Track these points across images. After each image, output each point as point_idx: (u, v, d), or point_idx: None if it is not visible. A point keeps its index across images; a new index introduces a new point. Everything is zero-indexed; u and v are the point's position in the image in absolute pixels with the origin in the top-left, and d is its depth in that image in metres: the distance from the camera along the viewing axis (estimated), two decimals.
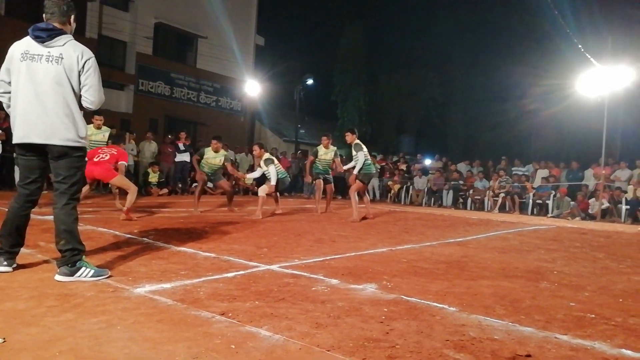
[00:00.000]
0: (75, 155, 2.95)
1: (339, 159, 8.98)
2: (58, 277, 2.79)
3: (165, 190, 12.32)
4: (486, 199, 13.94)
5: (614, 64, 11.51)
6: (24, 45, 2.90)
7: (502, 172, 14.23)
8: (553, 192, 12.84)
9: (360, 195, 8.16)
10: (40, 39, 2.87)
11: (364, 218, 7.98)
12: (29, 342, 1.82)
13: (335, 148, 8.99)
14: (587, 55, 11.64)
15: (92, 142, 7.15)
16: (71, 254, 2.81)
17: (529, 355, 1.96)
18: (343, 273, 3.43)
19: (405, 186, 15.83)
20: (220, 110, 20.37)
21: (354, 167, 7.94)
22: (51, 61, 2.84)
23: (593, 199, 12.12)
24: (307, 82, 20.86)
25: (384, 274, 3.47)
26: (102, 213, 6.87)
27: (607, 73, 11.50)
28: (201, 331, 2.05)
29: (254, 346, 1.91)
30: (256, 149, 8.33)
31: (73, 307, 2.28)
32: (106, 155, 6.76)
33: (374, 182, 15.40)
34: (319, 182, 8.97)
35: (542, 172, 13.69)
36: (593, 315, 2.65)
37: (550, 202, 12.70)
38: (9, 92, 2.94)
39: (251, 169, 14.55)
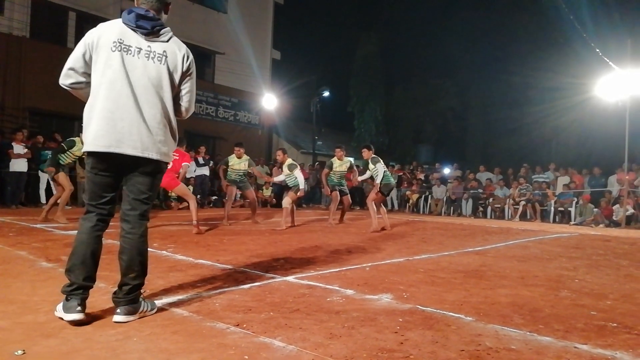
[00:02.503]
0: (163, 171, 2.56)
1: (355, 170, 8.98)
2: (121, 318, 2.29)
3: (185, 204, 12.46)
4: (506, 207, 13.73)
5: (634, 67, 11.30)
6: (116, 31, 2.35)
7: (523, 180, 14.00)
8: (575, 199, 12.58)
9: (377, 206, 8.15)
10: (143, 30, 2.37)
11: (382, 229, 7.95)
12: (47, 353, 1.86)
13: (350, 159, 9.07)
14: (605, 59, 11.45)
15: None
16: (137, 290, 2.39)
17: None
18: (359, 283, 3.42)
19: (423, 196, 15.71)
20: (238, 125, 20.58)
21: (371, 178, 7.97)
22: (152, 58, 2.38)
23: (617, 206, 11.84)
24: (324, 94, 20.97)
25: (400, 284, 3.44)
26: None
27: (627, 76, 11.29)
28: (215, 342, 2.07)
29: (268, 357, 1.91)
30: (280, 154, 8.46)
31: (91, 320, 2.32)
32: (169, 164, 6.85)
33: (392, 192, 15.33)
34: (335, 194, 9.00)
35: (564, 179, 13.43)
36: (615, 324, 2.59)
37: (572, 210, 12.45)
38: (82, 83, 2.38)
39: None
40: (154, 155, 2.38)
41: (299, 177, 7.87)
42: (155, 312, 2.46)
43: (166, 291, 2.96)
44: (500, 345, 2.17)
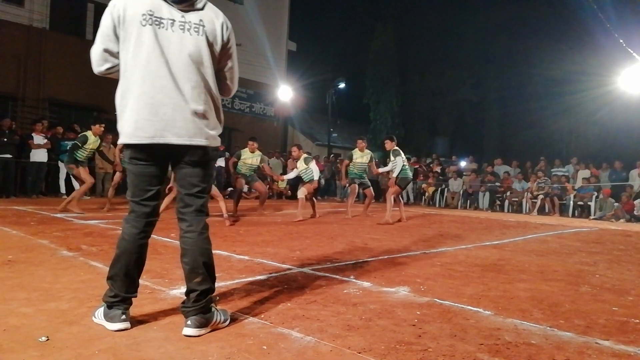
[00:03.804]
0: (214, 158, 2.32)
1: (373, 162, 8.94)
2: (191, 332, 2.01)
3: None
4: (524, 200, 13.55)
5: None
6: (145, 2, 2.04)
7: (541, 173, 13.79)
8: (595, 193, 12.36)
9: (395, 199, 8.16)
10: None
11: (399, 221, 7.98)
12: (70, 340, 1.90)
13: (370, 152, 8.94)
14: (629, 49, 11.18)
15: None
16: (206, 296, 2.10)
17: None
18: (375, 276, 3.42)
19: (440, 189, 15.59)
20: (254, 116, 20.64)
21: (390, 171, 7.96)
22: (188, 30, 2.07)
23: (638, 200, 11.59)
24: (339, 86, 20.91)
25: (417, 277, 3.43)
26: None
27: None
28: (234, 332, 2.09)
29: (285, 347, 1.92)
30: (295, 150, 8.48)
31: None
32: None
33: (408, 185, 15.26)
34: (353, 187, 8.96)
35: (583, 173, 13.19)
36: (637, 321, 2.54)
37: (592, 204, 12.24)
38: (118, 66, 2.10)
39: (284, 172, 14.67)
40: (202, 142, 2.12)
41: (314, 169, 7.92)
42: (229, 324, 2.18)
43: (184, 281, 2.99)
44: (519, 339, 2.14)
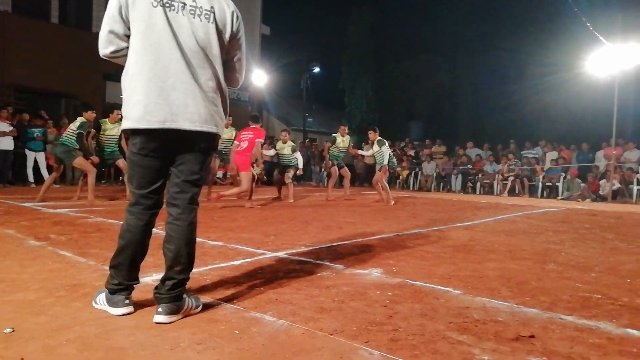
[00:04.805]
0: (216, 146, 2.25)
1: (351, 146, 9.77)
2: (163, 319, 1.99)
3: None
4: (495, 182, 13.84)
5: (624, 42, 11.29)
6: None
7: (511, 156, 14.10)
8: (563, 174, 12.71)
9: (380, 183, 8.74)
10: None
11: (377, 201, 8.78)
12: (37, 330, 1.86)
13: (349, 137, 9.62)
14: (596, 33, 11.42)
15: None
16: (182, 285, 2.10)
17: (532, 336, 1.96)
18: (349, 259, 3.45)
19: (413, 172, 15.77)
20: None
21: (372, 156, 9.07)
22: (199, 15, 2.03)
23: (604, 180, 11.99)
24: (314, 71, 20.82)
25: (389, 259, 3.48)
26: (113, 205, 6.94)
27: (618, 51, 11.29)
28: (206, 318, 2.08)
29: (258, 331, 1.93)
30: (285, 135, 8.99)
31: (81, 297, 2.32)
32: (245, 144, 6.70)
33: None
34: (334, 170, 9.38)
35: (551, 155, 13.54)
36: (599, 296, 2.64)
37: (560, 185, 12.59)
38: (124, 49, 2.03)
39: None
40: (212, 128, 2.08)
41: (299, 158, 8.81)
42: (201, 310, 2.17)
43: (157, 267, 2.95)
44: (487, 317, 2.21)
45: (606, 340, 1.95)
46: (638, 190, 11.50)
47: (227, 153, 8.34)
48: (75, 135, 6.83)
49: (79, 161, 6.99)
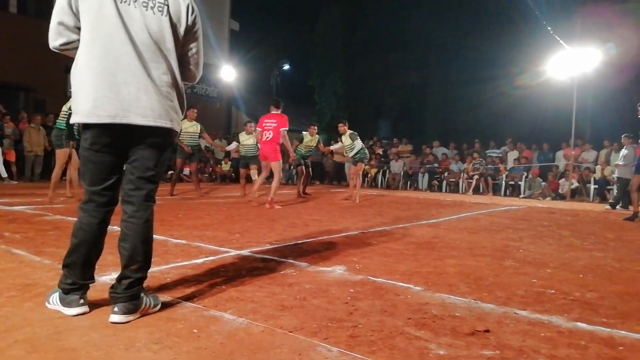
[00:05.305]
0: (172, 142, 2.20)
1: (321, 144, 9.97)
2: (119, 318, 1.95)
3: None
4: (461, 181, 14.14)
5: (582, 45, 11.71)
6: None
7: (476, 155, 14.44)
8: (525, 174, 13.11)
9: (356, 178, 8.92)
10: None
11: (346, 199, 8.85)
12: None
13: (318, 136, 9.81)
14: (556, 37, 11.80)
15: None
16: (139, 284, 2.05)
17: (487, 331, 2.01)
18: (313, 256, 3.46)
19: (381, 170, 15.94)
20: (197, 97, 20.04)
21: (342, 149, 9.21)
22: (152, 8, 1.98)
23: (563, 179, 12.43)
24: (284, 67, 20.72)
25: (353, 256, 3.50)
26: (73, 202, 6.73)
27: (576, 55, 11.70)
28: (164, 316, 2.05)
29: (217, 330, 1.91)
30: (251, 126, 8.98)
31: (34, 297, 2.24)
32: (270, 133, 6.47)
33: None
34: (300, 169, 9.53)
35: (513, 154, 13.95)
36: (553, 291, 2.74)
37: (522, 183, 12.97)
38: (75, 42, 1.97)
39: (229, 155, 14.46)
40: (166, 124, 2.03)
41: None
42: (160, 309, 2.12)
43: (115, 266, 2.88)
44: (445, 312, 2.25)
45: (556, 334, 2.02)
46: (595, 189, 11.97)
47: (193, 148, 8.31)
48: (67, 115, 6.55)
49: (60, 152, 6.74)
